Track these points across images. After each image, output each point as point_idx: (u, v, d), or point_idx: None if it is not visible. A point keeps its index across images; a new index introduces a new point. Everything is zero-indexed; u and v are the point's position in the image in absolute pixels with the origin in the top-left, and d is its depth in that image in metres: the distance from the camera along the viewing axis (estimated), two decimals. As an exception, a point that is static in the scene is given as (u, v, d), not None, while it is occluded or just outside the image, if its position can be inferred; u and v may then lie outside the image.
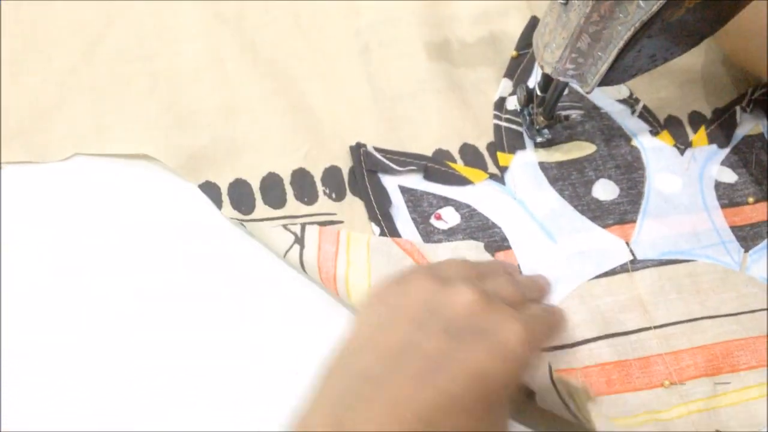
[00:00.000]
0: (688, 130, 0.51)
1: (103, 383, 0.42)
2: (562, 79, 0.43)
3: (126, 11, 0.54)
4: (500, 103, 0.52)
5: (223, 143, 0.49)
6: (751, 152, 0.50)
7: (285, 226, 0.45)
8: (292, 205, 0.47)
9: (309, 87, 0.52)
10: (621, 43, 0.39)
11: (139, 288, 0.44)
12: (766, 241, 0.46)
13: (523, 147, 0.49)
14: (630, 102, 0.52)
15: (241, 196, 0.47)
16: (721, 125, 0.51)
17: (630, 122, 0.51)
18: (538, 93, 0.47)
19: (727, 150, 0.50)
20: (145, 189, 0.48)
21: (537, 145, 0.49)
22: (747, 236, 0.46)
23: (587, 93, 0.43)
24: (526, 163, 0.49)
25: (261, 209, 0.47)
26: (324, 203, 0.47)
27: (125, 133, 0.50)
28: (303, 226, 0.45)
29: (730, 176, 0.49)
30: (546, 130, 0.48)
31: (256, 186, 0.48)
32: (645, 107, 0.52)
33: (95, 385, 0.41)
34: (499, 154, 0.49)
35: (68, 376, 0.42)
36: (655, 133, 0.51)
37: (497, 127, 0.51)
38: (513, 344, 0.33)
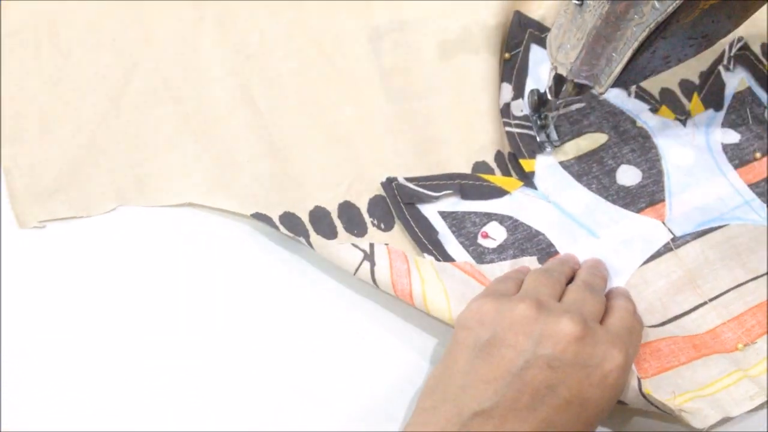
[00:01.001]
0: (683, 100, 0.52)
1: (106, 386, 0.42)
2: (576, 80, 0.42)
3: (147, 54, 0.53)
4: (506, 110, 0.51)
5: (266, 180, 0.48)
6: (744, 108, 0.51)
7: (353, 244, 0.44)
8: (344, 237, 0.46)
9: (341, 115, 0.51)
10: (635, 44, 0.39)
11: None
12: None
13: (541, 150, 0.49)
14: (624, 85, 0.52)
15: (293, 227, 0.46)
16: (710, 89, 0.52)
17: (629, 104, 0.51)
18: (549, 97, 0.46)
19: (723, 111, 0.51)
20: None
21: (553, 147, 0.49)
22: (764, 191, 0.48)
23: (600, 94, 0.43)
24: (548, 166, 0.49)
25: (315, 240, 0.46)
26: (374, 234, 0.46)
27: (165, 181, 0.48)
28: (372, 245, 0.44)
29: (733, 136, 0.50)
30: (555, 135, 0.49)
31: (305, 219, 0.46)
32: (639, 87, 0.52)
33: (96, 386, 0.41)
34: (521, 161, 0.49)
35: (69, 378, 0.41)
36: (654, 110, 0.51)
37: (510, 135, 0.50)
38: (614, 375, 0.35)
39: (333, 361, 0.43)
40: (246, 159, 0.49)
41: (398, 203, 0.47)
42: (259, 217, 0.46)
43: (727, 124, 0.51)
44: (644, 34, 0.38)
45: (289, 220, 0.46)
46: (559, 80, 0.45)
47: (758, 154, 0.49)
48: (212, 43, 0.54)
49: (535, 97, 0.48)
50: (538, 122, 0.49)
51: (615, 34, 0.39)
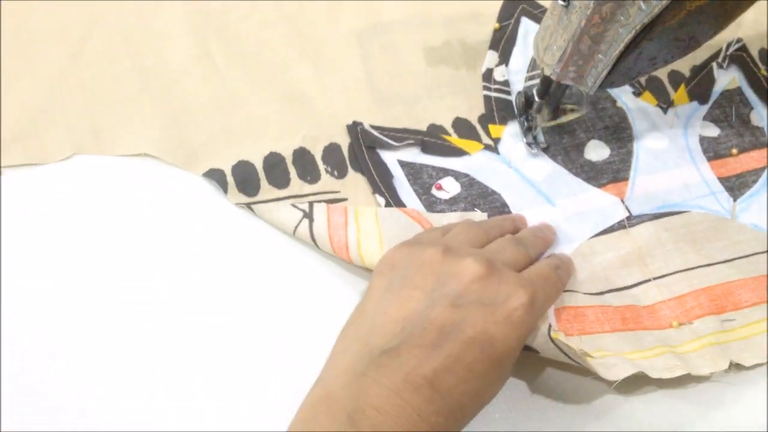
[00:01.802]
0: (669, 89, 0.52)
1: (105, 382, 0.41)
2: (562, 81, 0.42)
3: (108, 12, 0.54)
4: (488, 75, 0.52)
5: (222, 135, 0.49)
6: (730, 106, 0.51)
7: (293, 204, 0.46)
8: (296, 185, 0.47)
9: (301, 73, 0.52)
10: (621, 46, 0.39)
11: (145, 285, 0.44)
12: (751, 189, 0.48)
13: (513, 117, 0.50)
14: None
15: (245, 178, 0.47)
16: (699, 82, 0.52)
17: None
18: (536, 99, 0.46)
19: (707, 106, 0.51)
20: (147, 185, 0.48)
21: (540, 149, 0.49)
22: (734, 186, 0.48)
23: (587, 94, 0.43)
24: (517, 133, 0.49)
25: (266, 190, 0.47)
26: (327, 181, 0.48)
27: (122, 135, 0.49)
28: (311, 204, 0.46)
29: (712, 130, 0.50)
30: (542, 137, 0.49)
31: (259, 165, 0.48)
32: None
33: (96, 384, 0.41)
34: (490, 126, 0.50)
35: (69, 376, 0.41)
36: (637, 93, 0.52)
37: (487, 98, 0.51)
38: (519, 312, 0.36)
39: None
40: (203, 116, 0.50)
41: (360, 146, 0.48)
42: (211, 174, 0.47)
43: (709, 118, 0.51)
44: (630, 35, 0.38)
45: (243, 169, 0.48)
46: (546, 81, 0.45)
47: (735, 150, 0.50)
48: (173, 4, 0.55)
49: (522, 99, 0.48)
50: (525, 124, 0.49)
51: (601, 35, 0.39)
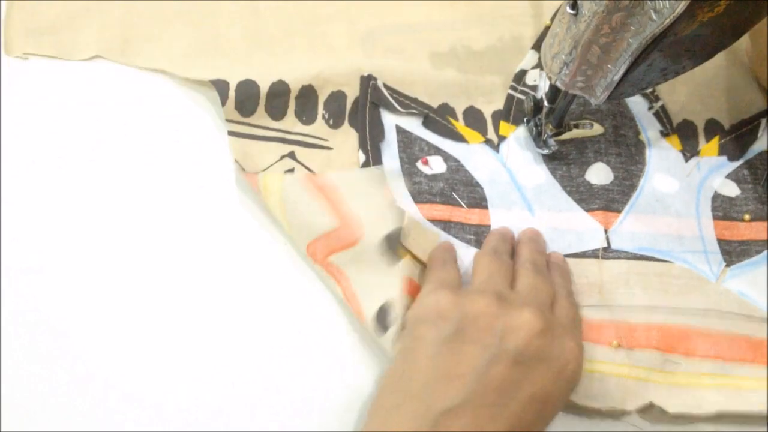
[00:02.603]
0: (701, 137, 0.50)
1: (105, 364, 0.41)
2: (570, 91, 0.42)
3: None
4: (520, 75, 0.51)
5: (241, 70, 0.50)
6: (764, 169, 0.48)
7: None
8: (290, 121, 0.48)
9: (334, 29, 0.54)
10: (632, 57, 0.38)
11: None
12: (752, 259, 0.45)
13: (527, 122, 0.49)
14: (650, 98, 0.51)
15: (247, 97, 0.48)
16: (738, 137, 0.50)
17: (644, 116, 0.50)
18: (546, 104, 0.46)
19: (737, 163, 0.49)
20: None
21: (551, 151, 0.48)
22: (733, 251, 0.45)
23: (596, 105, 0.42)
24: (524, 138, 0.49)
25: (260, 116, 0.48)
26: (320, 127, 0.48)
27: (147, 49, 0.51)
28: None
29: (732, 190, 0.48)
30: (553, 142, 0.47)
31: (264, 90, 0.49)
32: (663, 107, 0.51)
33: (96, 375, 0.41)
34: (502, 122, 0.50)
35: (68, 376, 0.41)
36: (665, 134, 0.50)
37: (510, 97, 0.51)
38: (573, 366, 0.36)
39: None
40: (230, 48, 0.52)
41: (366, 99, 0.49)
42: (216, 83, 0.48)
43: (734, 177, 0.48)
44: (641, 46, 0.37)
45: (247, 88, 0.48)
46: (555, 87, 0.44)
47: (748, 216, 0.47)
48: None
49: (531, 103, 0.48)
50: (534, 129, 0.48)
51: (610, 45, 0.38)
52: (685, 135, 0.50)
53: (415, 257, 0.43)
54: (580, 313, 0.42)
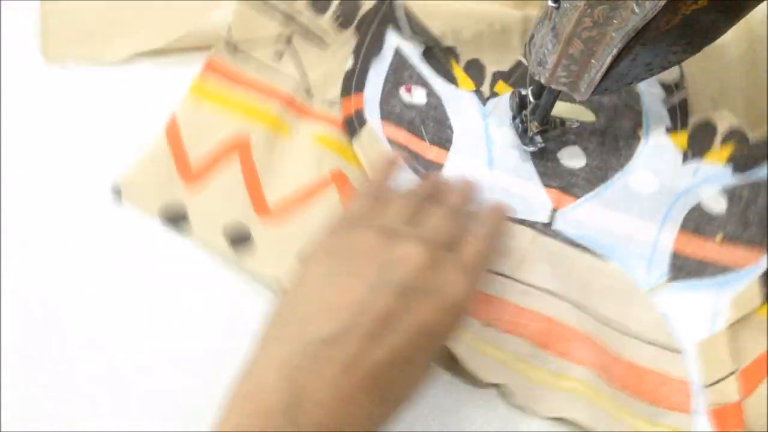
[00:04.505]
0: (716, 142, 0.46)
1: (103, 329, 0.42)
2: (554, 86, 0.41)
3: None
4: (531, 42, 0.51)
5: None
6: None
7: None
8: (303, 4, 0.50)
9: None
10: (615, 51, 0.37)
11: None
12: (699, 281, 0.42)
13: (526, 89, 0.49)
14: (671, 88, 0.49)
15: None
16: (757, 148, 0.45)
17: (655, 109, 0.48)
18: (531, 100, 0.45)
19: (741, 176, 0.45)
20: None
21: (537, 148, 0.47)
22: (683, 268, 0.43)
23: (579, 101, 0.41)
24: (508, 99, 0.48)
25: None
26: (327, 21, 0.50)
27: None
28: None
29: (718, 205, 0.45)
30: (539, 138, 0.47)
31: None
32: (684, 101, 0.48)
33: (94, 373, 0.41)
34: (501, 81, 0.49)
35: (69, 373, 0.41)
36: (670, 130, 0.47)
37: (518, 63, 0.50)
38: (458, 300, 0.35)
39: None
40: None
41: (378, 14, 0.50)
42: None
43: (730, 193, 0.45)
44: (624, 40, 0.36)
45: None
46: (540, 83, 0.44)
47: (719, 238, 0.43)
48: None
49: (517, 99, 0.47)
50: (520, 126, 0.47)
51: (593, 39, 0.38)
52: (699, 135, 0.47)
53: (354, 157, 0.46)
54: (488, 264, 0.40)
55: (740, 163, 0.45)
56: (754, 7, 0.38)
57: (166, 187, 0.45)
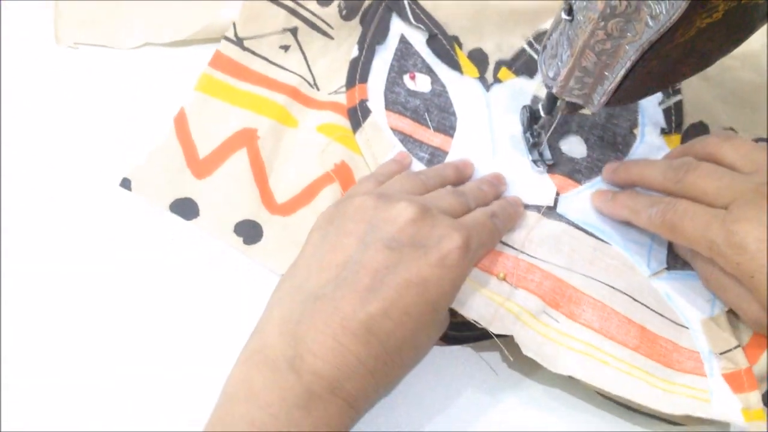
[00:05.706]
0: None
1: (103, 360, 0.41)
2: (566, 98, 0.41)
3: None
4: (542, 35, 0.51)
5: None
6: None
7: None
8: None
9: None
10: (628, 64, 0.37)
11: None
12: (692, 271, 0.43)
13: (529, 77, 0.49)
14: (668, 91, 0.49)
15: None
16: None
17: (650, 110, 0.49)
18: (543, 114, 0.45)
19: None
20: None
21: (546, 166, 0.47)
22: (680, 259, 0.44)
23: (592, 113, 0.41)
24: (521, 90, 0.49)
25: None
26: (332, 13, 0.50)
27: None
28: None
29: None
30: (548, 154, 0.47)
31: None
32: (679, 103, 0.49)
33: (95, 375, 0.41)
34: (504, 68, 0.50)
35: (67, 373, 0.41)
36: (665, 132, 0.49)
37: (522, 51, 0.51)
38: (453, 255, 0.36)
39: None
40: None
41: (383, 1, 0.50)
42: None
43: None
44: (638, 52, 0.36)
45: None
46: (551, 97, 0.44)
47: None
48: None
49: (528, 114, 0.47)
50: (530, 140, 0.47)
51: (607, 52, 0.38)
52: (692, 138, 0.47)
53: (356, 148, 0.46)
54: (487, 229, 0.40)
55: None
56: (763, 25, 0.38)
57: (176, 181, 0.45)
